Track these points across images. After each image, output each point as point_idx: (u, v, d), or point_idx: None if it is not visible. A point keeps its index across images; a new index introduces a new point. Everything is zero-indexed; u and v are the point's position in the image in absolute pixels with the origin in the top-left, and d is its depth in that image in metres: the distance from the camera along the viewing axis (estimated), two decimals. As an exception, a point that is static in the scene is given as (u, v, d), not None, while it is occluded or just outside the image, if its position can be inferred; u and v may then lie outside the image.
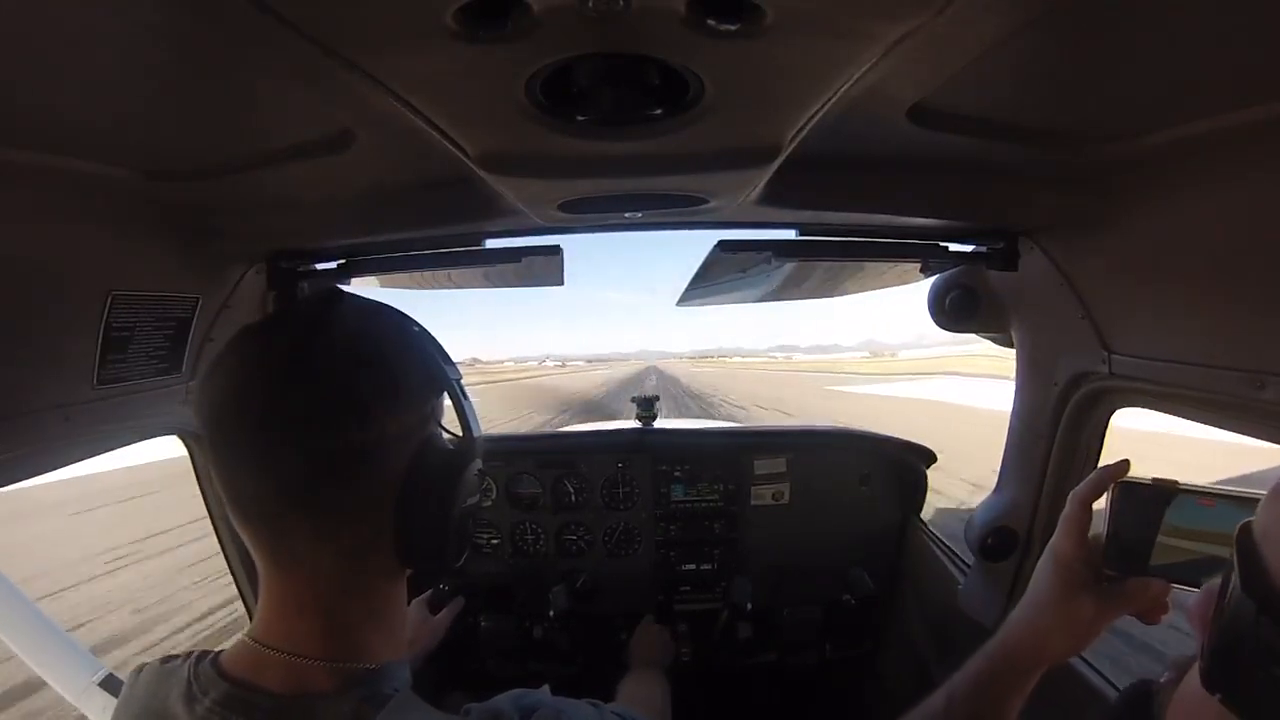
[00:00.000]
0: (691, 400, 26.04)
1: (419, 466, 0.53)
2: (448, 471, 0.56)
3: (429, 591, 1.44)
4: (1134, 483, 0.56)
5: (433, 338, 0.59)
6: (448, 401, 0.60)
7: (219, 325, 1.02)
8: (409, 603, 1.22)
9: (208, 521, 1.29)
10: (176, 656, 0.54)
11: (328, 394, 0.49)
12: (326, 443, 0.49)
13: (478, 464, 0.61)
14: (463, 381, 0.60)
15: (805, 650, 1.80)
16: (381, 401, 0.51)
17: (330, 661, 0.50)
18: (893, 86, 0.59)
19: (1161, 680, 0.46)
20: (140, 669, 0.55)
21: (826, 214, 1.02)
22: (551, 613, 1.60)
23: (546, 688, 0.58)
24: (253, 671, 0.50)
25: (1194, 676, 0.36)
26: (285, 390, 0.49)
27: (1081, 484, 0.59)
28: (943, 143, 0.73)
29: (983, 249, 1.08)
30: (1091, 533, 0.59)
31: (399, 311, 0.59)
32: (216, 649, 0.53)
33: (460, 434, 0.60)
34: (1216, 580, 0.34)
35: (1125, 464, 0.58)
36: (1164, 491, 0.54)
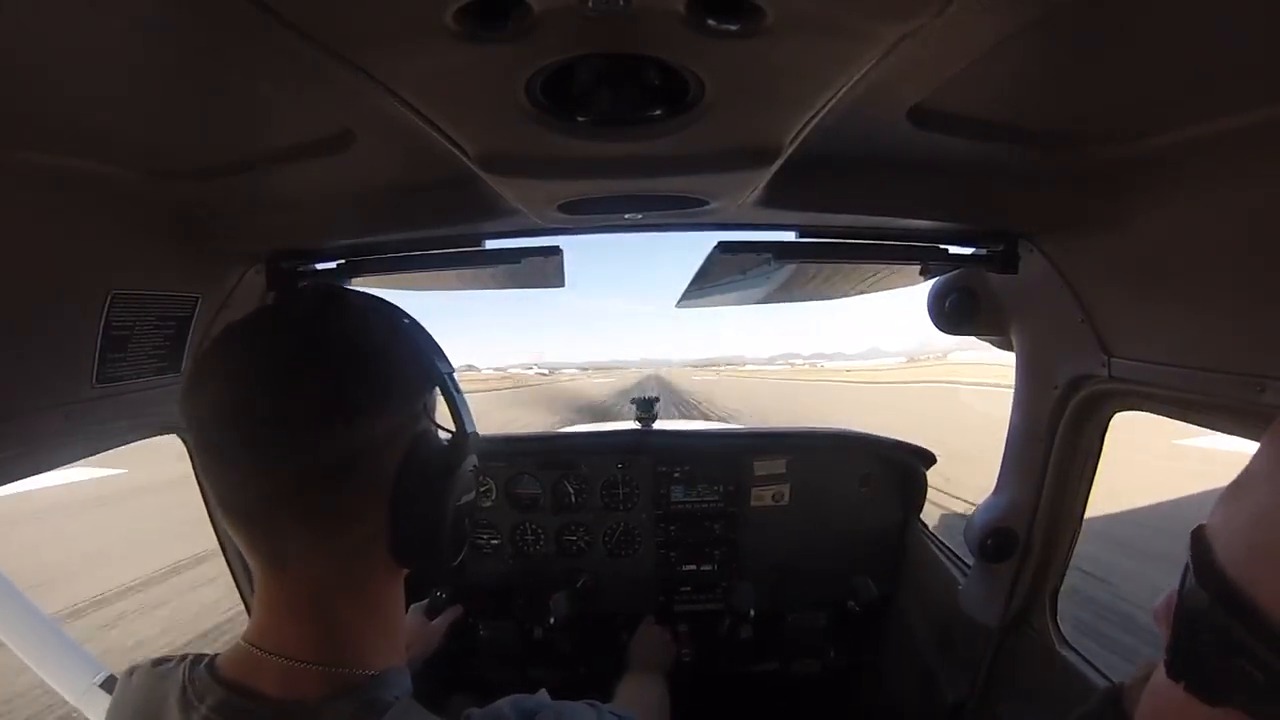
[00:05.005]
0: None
1: (412, 464, 0.52)
2: (441, 468, 0.55)
3: (426, 600, 1.44)
4: None
5: (424, 330, 0.58)
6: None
7: (218, 325, 1.02)
8: (406, 609, 1.21)
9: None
10: (169, 659, 0.53)
11: (316, 394, 0.48)
12: (316, 443, 0.47)
13: (473, 460, 0.60)
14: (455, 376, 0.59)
15: (809, 657, 1.80)
16: (371, 400, 0.50)
17: (326, 666, 0.49)
18: (893, 87, 0.59)
19: (1129, 681, 0.48)
20: (131, 671, 0.54)
21: (826, 216, 1.02)
22: (552, 619, 1.60)
23: (544, 691, 0.58)
24: (249, 676, 0.49)
25: (1161, 671, 0.38)
26: (272, 391, 0.47)
27: None
28: (943, 144, 0.73)
29: (982, 251, 1.08)
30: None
31: (388, 304, 0.57)
32: (212, 653, 0.53)
33: (453, 429, 0.59)
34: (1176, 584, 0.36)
35: None
36: None
